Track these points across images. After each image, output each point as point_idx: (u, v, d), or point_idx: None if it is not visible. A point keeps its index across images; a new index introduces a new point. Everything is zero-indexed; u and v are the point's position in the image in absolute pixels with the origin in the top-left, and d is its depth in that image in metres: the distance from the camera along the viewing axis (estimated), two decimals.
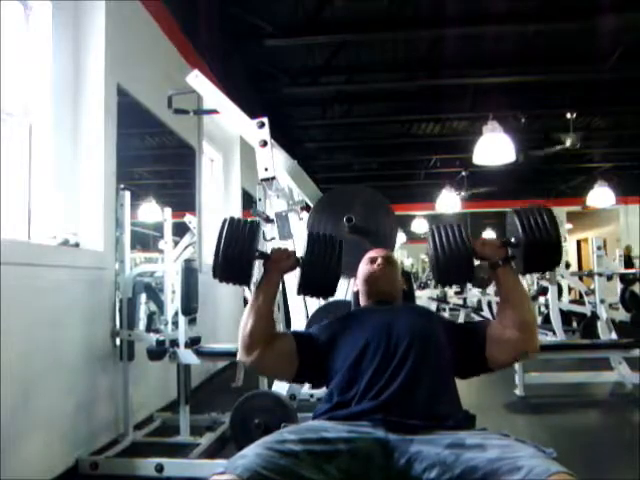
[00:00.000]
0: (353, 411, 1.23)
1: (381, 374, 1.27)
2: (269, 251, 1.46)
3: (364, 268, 1.64)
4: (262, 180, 2.15)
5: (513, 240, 1.39)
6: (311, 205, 2.25)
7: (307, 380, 1.52)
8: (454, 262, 1.36)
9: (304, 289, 1.46)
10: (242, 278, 1.40)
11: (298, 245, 2.24)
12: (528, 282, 7.48)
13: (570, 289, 8.06)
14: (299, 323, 2.30)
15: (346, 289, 2.25)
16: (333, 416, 1.24)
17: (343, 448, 1.10)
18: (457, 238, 1.36)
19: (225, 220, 1.39)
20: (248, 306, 1.41)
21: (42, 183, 2.62)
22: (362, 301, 1.64)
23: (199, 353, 2.74)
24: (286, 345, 1.42)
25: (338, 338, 1.42)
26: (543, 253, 1.35)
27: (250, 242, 1.37)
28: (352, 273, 1.73)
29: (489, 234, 12.66)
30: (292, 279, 1.55)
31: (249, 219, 1.44)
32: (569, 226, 11.91)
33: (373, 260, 1.63)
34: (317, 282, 1.44)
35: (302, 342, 1.44)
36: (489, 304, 7.38)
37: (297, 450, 1.06)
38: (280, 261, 1.44)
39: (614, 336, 4.35)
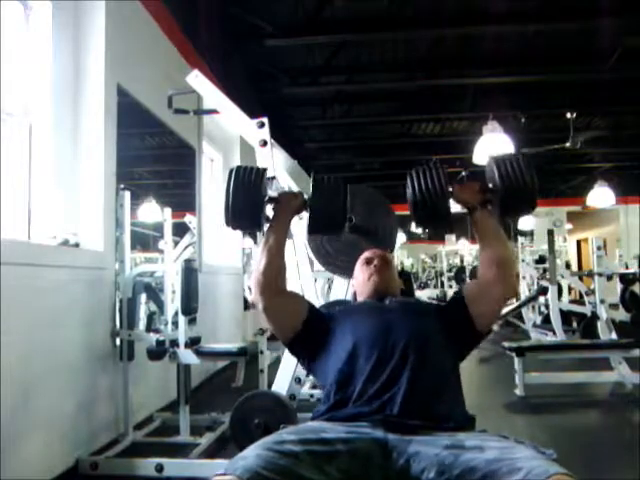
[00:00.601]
0: (352, 412, 1.23)
1: (379, 374, 1.27)
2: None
3: (360, 269, 1.64)
4: None
5: (491, 185, 1.43)
6: None
7: (298, 352, 1.51)
8: (432, 204, 1.38)
9: (314, 227, 1.49)
10: (253, 224, 1.44)
11: (297, 246, 2.25)
12: (528, 282, 7.49)
13: (570, 289, 8.06)
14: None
15: (346, 289, 2.25)
16: (332, 417, 1.24)
17: (342, 449, 1.10)
18: (435, 181, 1.38)
19: (232, 169, 1.42)
20: (260, 247, 1.45)
21: (42, 183, 2.62)
22: (359, 300, 1.64)
23: (199, 353, 2.75)
24: (298, 305, 1.47)
25: (336, 331, 1.43)
26: (519, 197, 1.39)
27: (257, 187, 1.41)
28: (352, 273, 1.73)
29: None
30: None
31: (255, 166, 1.46)
32: (569, 226, 11.90)
33: (369, 261, 1.63)
34: (325, 218, 1.47)
35: (312, 313, 1.46)
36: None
37: (297, 451, 1.06)
38: (289, 202, 1.48)
39: (614, 336, 4.35)
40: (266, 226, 1.48)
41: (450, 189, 1.41)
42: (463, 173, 9.07)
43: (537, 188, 1.38)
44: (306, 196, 1.49)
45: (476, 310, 1.40)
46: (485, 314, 1.42)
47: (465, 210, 1.48)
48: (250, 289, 1.45)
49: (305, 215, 1.50)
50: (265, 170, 1.46)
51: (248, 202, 1.40)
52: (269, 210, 1.49)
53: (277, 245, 1.44)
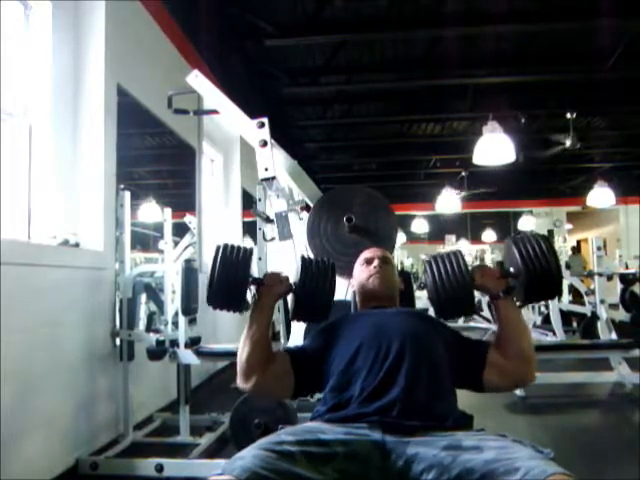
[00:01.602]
0: (350, 413, 1.23)
1: (375, 375, 1.27)
2: (263, 270, 1.45)
3: (360, 269, 1.63)
4: (262, 180, 2.15)
5: (512, 270, 1.37)
6: (311, 205, 2.25)
7: (307, 392, 1.52)
8: (453, 294, 1.34)
9: (297, 315, 1.47)
10: (236, 304, 1.40)
11: (297, 246, 2.24)
12: None
13: (570, 289, 8.06)
14: (299, 326, 2.29)
15: (346, 289, 2.25)
16: (331, 418, 1.24)
17: (340, 450, 1.10)
18: (456, 269, 1.35)
19: (219, 247, 1.40)
20: (244, 334, 1.40)
21: (42, 183, 2.62)
22: (359, 301, 1.64)
23: (199, 353, 2.74)
24: (281, 365, 1.40)
25: (332, 342, 1.42)
26: (544, 283, 1.33)
27: (244, 268, 1.38)
28: (352, 273, 1.73)
29: (488, 234, 12.66)
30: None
31: (242, 245, 1.44)
32: (569, 226, 11.91)
33: (369, 261, 1.62)
34: (310, 308, 1.44)
35: (296, 358, 1.42)
36: (489, 304, 7.37)
37: (294, 451, 1.06)
38: (273, 286, 1.43)
39: (614, 336, 4.34)
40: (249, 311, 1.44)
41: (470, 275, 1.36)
42: (463, 173, 9.09)
43: (561, 272, 1.34)
44: (291, 280, 1.45)
45: (493, 378, 1.37)
46: (496, 386, 1.39)
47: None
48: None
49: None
50: (252, 250, 1.43)
51: (233, 284, 1.36)
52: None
53: (260, 331, 1.40)
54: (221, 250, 1.39)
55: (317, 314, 1.46)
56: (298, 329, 2.24)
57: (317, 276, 1.42)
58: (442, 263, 1.37)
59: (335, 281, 1.43)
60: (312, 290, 1.41)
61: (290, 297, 1.48)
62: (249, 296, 1.43)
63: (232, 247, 1.40)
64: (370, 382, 1.26)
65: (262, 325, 1.41)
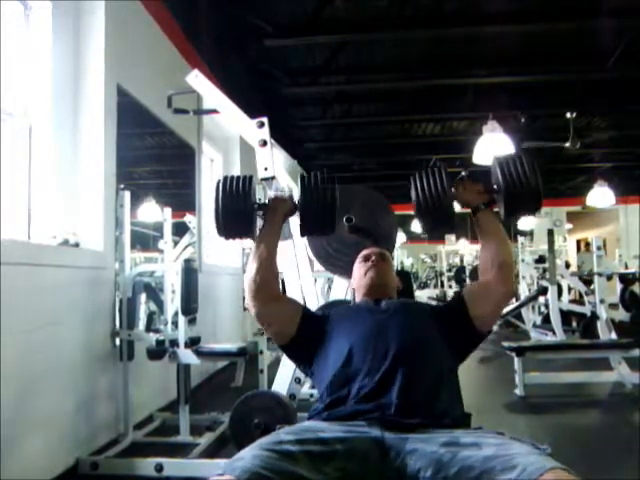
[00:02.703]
0: (349, 410, 1.23)
1: (375, 373, 1.27)
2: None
3: (357, 266, 1.66)
4: (262, 180, 2.16)
5: (495, 186, 1.43)
6: None
7: (294, 356, 1.53)
8: (435, 207, 1.38)
9: (305, 228, 1.49)
10: (244, 231, 1.45)
11: (297, 246, 2.25)
12: (528, 282, 7.49)
13: (570, 289, 8.06)
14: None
15: (346, 289, 2.25)
16: (329, 415, 1.24)
17: (340, 448, 1.11)
18: (438, 183, 1.39)
19: (219, 180, 1.43)
20: (252, 254, 1.44)
21: (42, 183, 2.62)
22: (358, 298, 1.65)
23: (199, 353, 2.75)
24: (291, 309, 1.47)
25: (332, 333, 1.43)
26: (523, 197, 1.39)
27: (247, 194, 1.41)
28: (352, 273, 1.74)
29: None
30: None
31: (243, 175, 1.47)
32: (569, 226, 11.91)
33: (367, 257, 1.65)
34: (316, 219, 1.47)
35: (305, 318, 1.46)
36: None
37: (294, 451, 1.06)
38: (278, 206, 1.48)
39: (614, 336, 4.35)
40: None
41: (453, 190, 1.41)
42: (463, 173, 9.09)
43: (542, 188, 1.39)
44: (296, 198, 1.49)
45: (476, 311, 1.41)
46: (485, 315, 1.42)
47: (469, 210, 1.47)
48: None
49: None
50: (252, 177, 1.46)
51: (237, 210, 1.40)
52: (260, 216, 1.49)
53: (268, 250, 1.44)
54: (222, 181, 1.42)
55: (324, 225, 1.49)
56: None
57: (318, 189, 1.44)
58: (426, 177, 1.41)
59: (336, 192, 1.45)
60: (315, 203, 1.44)
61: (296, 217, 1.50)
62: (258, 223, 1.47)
63: (232, 177, 1.44)
64: (370, 380, 1.26)
65: (270, 244, 1.46)
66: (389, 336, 1.34)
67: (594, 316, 4.85)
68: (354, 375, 1.29)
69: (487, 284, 1.42)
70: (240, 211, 1.40)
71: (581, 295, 6.06)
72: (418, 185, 1.40)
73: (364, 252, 1.68)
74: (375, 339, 1.34)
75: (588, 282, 5.86)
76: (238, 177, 1.44)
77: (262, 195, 2.98)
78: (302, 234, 1.53)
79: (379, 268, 1.61)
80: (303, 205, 1.45)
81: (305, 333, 1.44)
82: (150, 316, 3.35)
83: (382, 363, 1.29)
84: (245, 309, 5.18)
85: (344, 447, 1.11)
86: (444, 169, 1.43)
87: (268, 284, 1.43)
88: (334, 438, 1.12)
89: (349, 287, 1.82)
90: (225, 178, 1.43)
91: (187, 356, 2.71)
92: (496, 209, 1.47)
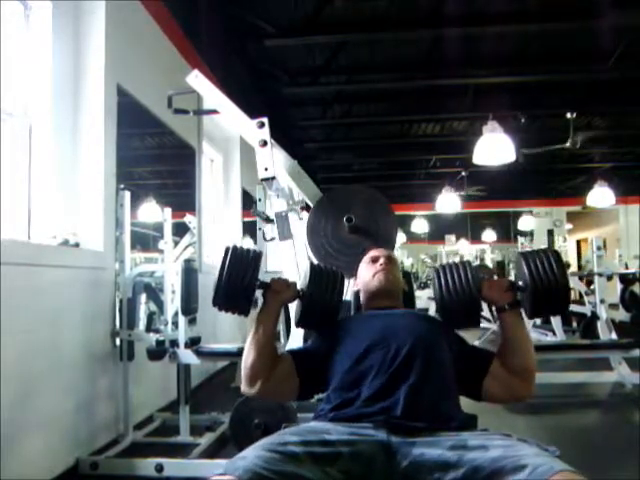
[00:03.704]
0: (355, 413, 1.23)
1: (383, 376, 1.27)
2: (268, 280, 1.44)
3: (366, 267, 1.64)
4: (262, 180, 2.15)
5: (521, 284, 1.36)
6: (311, 205, 2.25)
7: (312, 393, 1.51)
8: (460, 304, 1.34)
9: (303, 320, 1.46)
10: (242, 307, 1.39)
11: (297, 246, 2.24)
12: None
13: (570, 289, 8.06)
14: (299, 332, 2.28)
15: (346, 289, 2.25)
16: (335, 417, 1.24)
17: (345, 451, 1.10)
18: (463, 279, 1.35)
19: (228, 248, 1.38)
20: (249, 338, 1.39)
21: (42, 183, 2.62)
22: (363, 300, 1.64)
23: (199, 353, 2.74)
24: (285, 369, 1.39)
25: (339, 342, 1.42)
26: (551, 298, 1.32)
27: (252, 271, 1.36)
28: (352, 273, 1.73)
29: (488, 234, 12.66)
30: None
31: (251, 248, 1.43)
32: (569, 226, 11.90)
33: (375, 259, 1.63)
34: (316, 317, 1.43)
35: (299, 361, 1.41)
36: (489, 305, 7.36)
37: (298, 452, 1.06)
38: (280, 292, 1.42)
39: (614, 336, 4.34)
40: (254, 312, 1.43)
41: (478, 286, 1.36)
42: (463, 173, 9.08)
43: (569, 287, 1.33)
44: (299, 286, 1.45)
45: (493, 389, 1.37)
46: (494, 396, 1.39)
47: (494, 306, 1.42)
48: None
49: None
50: (260, 254, 1.41)
51: (240, 287, 1.35)
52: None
53: (266, 337, 1.38)
54: (230, 252, 1.37)
55: (323, 323, 1.46)
56: (298, 330, 2.24)
57: (325, 285, 1.41)
58: (450, 273, 1.37)
59: (343, 291, 1.43)
60: (319, 299, 1.40)
61: (295, 302, 1.47)
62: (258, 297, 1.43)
63: (241, 249, 1.39)
64: (377, 382, 1.26)
65: (268, 330, 1.39)
66: (398, 340, 1.33)
67: (594, 316, 4.84)
68: (363, 377, 1.28)
69: (509, 385, 1.36)
70: (243, 286, 1.35)
71: (581, 295, 6.04)
72: (442, 281, 1.36)
73: (372, 253, 1.66)
74: (384, 343, 1.34)
75: (588, 282, 5.85)
76: (247, 250, 1.40)
77: (263, 198, 2.98)
78: (297, 324, 1.48)
79: (388, 272, 1.59)
80: (307, 296, 1.41)
81: (308, 374, 1.40)
82: (150, 316, 3.34)
83: (390, 367, 1.28)
84: None
85: (349, 449, 1.10)
86: (470, 265, 1.39)
87: (266, 369, 1.37)
88: (339, 440, 1.12)
89: (352, 287, 1.81)
90: (235, 248, 1.39)
91: (187, 356, 2.71)
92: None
